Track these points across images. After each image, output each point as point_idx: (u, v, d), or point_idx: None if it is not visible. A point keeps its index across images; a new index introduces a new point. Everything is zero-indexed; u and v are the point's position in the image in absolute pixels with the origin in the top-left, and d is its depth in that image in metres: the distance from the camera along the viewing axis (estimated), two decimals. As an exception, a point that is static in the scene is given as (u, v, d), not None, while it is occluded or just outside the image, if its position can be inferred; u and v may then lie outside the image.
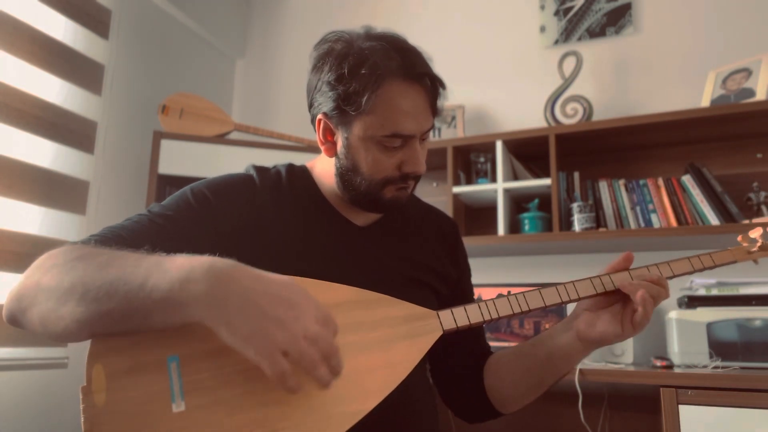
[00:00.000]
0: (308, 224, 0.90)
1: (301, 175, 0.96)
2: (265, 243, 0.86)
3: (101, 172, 2.21)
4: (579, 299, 0.83)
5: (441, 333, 0.76)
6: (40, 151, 1.96)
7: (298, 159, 2.31)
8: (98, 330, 0.65)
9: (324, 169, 0.94)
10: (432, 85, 0.86)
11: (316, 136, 0.91)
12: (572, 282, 0.83)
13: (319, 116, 0.89)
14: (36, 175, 1.94)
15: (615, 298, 0.83)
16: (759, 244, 0.91)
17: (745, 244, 0.92)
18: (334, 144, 0.89)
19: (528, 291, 0.81)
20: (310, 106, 0.91)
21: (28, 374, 1.86)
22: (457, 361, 1.00)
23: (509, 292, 0.83)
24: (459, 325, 0.77)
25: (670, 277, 0.85)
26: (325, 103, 0.86)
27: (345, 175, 0.89)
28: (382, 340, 0.72)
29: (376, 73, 0.82)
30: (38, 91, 1.97)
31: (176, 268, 0.62)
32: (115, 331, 0.65)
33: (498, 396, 0.96)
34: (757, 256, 0.91)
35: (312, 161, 0.99)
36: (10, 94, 1.86)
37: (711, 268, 0.89)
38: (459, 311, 0.78)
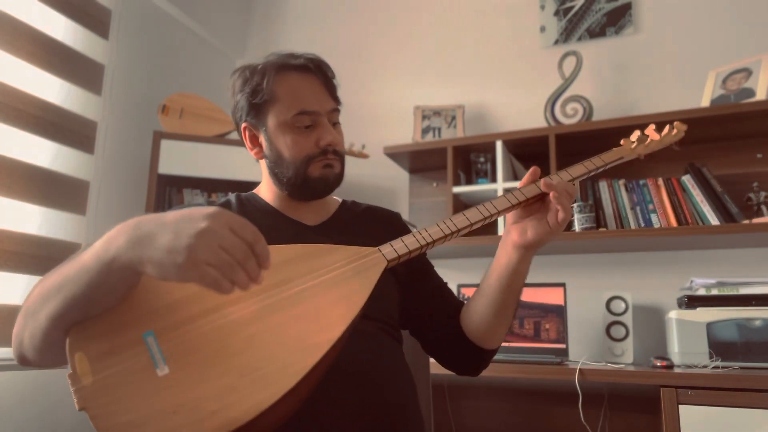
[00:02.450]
0: (263, 233, 0.95)
1: (249, 197, 1.08)
2: None
3: (101, 172, 2.21)
4: (499, 213, 0.91)
5: (386, 263, 0.83)
6: (40, 151, 1.96)
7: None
8: (68, 319, 0.69)
9: (264, 183, 1.06)
10: (319, 71, 1.00)
11: (247, 148, 1.04)
12: (490, 201, 0.93)
13: (243, 125, 1.02)
14: (36, 175, 1.94)
15: (535, 207, 0.92)
16: (636, 139, 1.02)
17: (625, 143, 1.03)
18: (261, 146, 1.02)
19: (454, 216, 0.90)
20: (237, 126, 1.04)
21: (28, 374, 1.86)
22: (438, 325, 1.07)
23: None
24: (400, 254, 0.84)
25: (571, 180, 0.94)
26: (242, 110, 1.01)
27: (275, 167, 1.00)
28: (336, 279, 0.79)
29: (270, 65, 1.00)
30: (38, 91, 1.97)
31: (98, 241, 0.69)
32: (82, 315, 0.70)
33: (477, 336, 1.02)
34: (640, 151, 1.02)
35: (257, 186, 1.10)
36: (10, 94, 1.86)
37: (602, 167, 0.99)
38: (397, 242, 0.85)
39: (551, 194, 0.87)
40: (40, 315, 0.71)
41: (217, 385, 0.66)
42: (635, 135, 1.04)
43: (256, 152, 1.03)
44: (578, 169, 0.97)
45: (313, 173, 0.98)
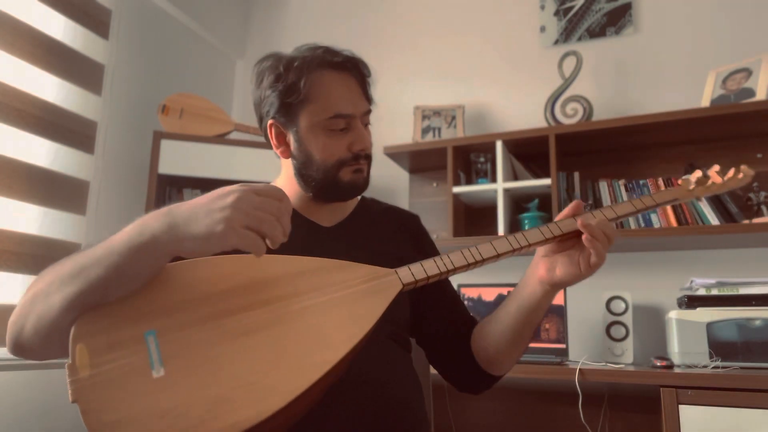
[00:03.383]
0: None
1: None
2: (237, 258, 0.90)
3: (101, 172, 2.21)
4: (529, 246, 0.85)
5: (401, 287, 0.79)
6: (40, 151, 1.96)
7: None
8: (87, 302, 0.69)
9: (284, 179, 1.02)
10: (357, 71, 0.97)
11: (272, 145, 1.00)
12: (521, 232, 0.86)
13: (269, 122, 0.97)
14: (36, 175, 1.94)
15: (569, 243, 0.86)
16: (697, 181, 0.94)
17: (683, 184, 0.95)
18: (288, 145, 0.98)
19: (480, 244, 0.84)
20: (260, 120, 1.00)
21: (28, 374, 1.86)
22: (447, 340, 1.04)
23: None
24: (417, 279, 0.80)
25: (614, 219, 0.88)
26: (271, 106, 0.96)
27: (302, 169, 0.97)
28: (346, 298, 0.76)
29: (307, 63, 0.94)
30: (38, 91, 1.97)
31: (128, 227, 0.69)
32: (97, 300, 0.69)
33: (486, 360, 0.99)
34: (698, 193, 0.95)
35: (274, 180, 1.06)
36: (9, 94, 1.86)
37: (653, 207, 0.91)
38: (416, 266, 0.81)
39: (584, 236, 0.82)
40: (53, 297, 0.70)
41: (208, 394, 0.65)
42: (695, 175, 0.95)
43: (282, 151, 0.99)
44: (625, 207, 0.89)
45: (343, 178, 0.95)
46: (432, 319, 1.05)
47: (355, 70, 0.97)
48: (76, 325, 0.69)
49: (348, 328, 0.73)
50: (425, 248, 1.10)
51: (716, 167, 0.97)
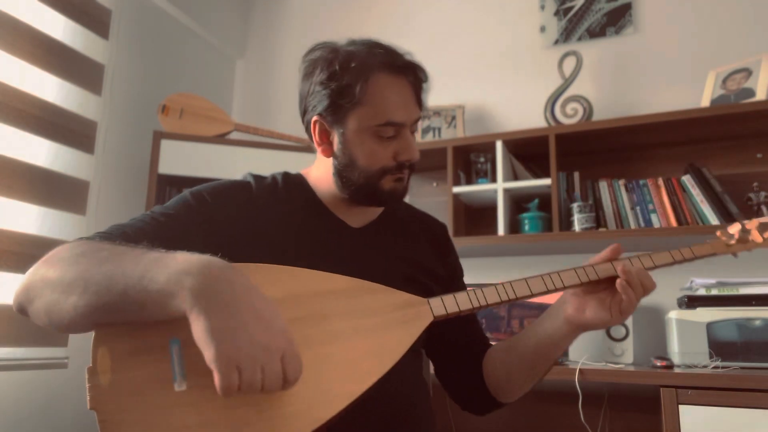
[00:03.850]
0: (304, 227, 0.93)
1: (296, 181, 1.00)
2: (261, 244, 0.89)
3: (101, 172, 2.21)
4: (564, 288, 0.85)
5: (431, 319, 0.78)
6: (39, 151, 1.96)
7: (297, 159, 2.32)
8: (98, 321, 0.67)
9: (319, 173, 0.98)
10: (415, 77, 0.93)
11: (313, 140, 0.95)
12: (557, 272, 0.85)
13: (315, 118, 0.93)
14: (36, 175, 1.94)
15: (602, 286, 0.86)
16: (737, 237, 0.94)
17: (723, 238, 0.96)
18: (331, 144, 0.93)
19: (515, 281, 0.84)
20: (304, 112, 0.96)
21: (28, 374, 1.86)
22: (458, 358, 1.02)
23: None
24: (449, 312, 0.79)
25: (651, 268, 0.87)
26: (320, 103, 0.91)
27: (343, 171, 0.93)
28: (374, 326, 0.74)
29: (365, 65, 0.89)
30: (38, 91, 1.97)
31: (174, 263, 0.65)
32: (113, 322, 0.67)
33: (496, 387, 0.98)
34: (736, 250, 0.95)
35: (306, 169, 1.03)
36: (9, 94, 1.86)
37: (691, 260, 0.92)
38: (449, 298, 0.80)
39: (618, 282, 0.81)
40: (70, 300, 0.67)
41: (231, 416, 0.63)
42: (735, 229, 0.95)
43: (324, 149, 0.94)
44: (663, 258, 0.90)
45: (384, 186, 0.92)
46: (446, 335, 1.02)
47: (412, 75, 0.93)
48: (98, 327, 0.67)
49: (375, 359, 0.71)
50: (450, 260, 1.08)
51: (755, 222, 0.95)
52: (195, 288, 0.61)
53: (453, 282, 1.07)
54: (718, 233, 0.95)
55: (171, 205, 0.90)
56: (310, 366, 0.68)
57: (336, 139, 0.92)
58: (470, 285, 2.29)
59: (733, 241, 0.94)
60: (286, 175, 1.00)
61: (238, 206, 0.91)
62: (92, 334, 0.69)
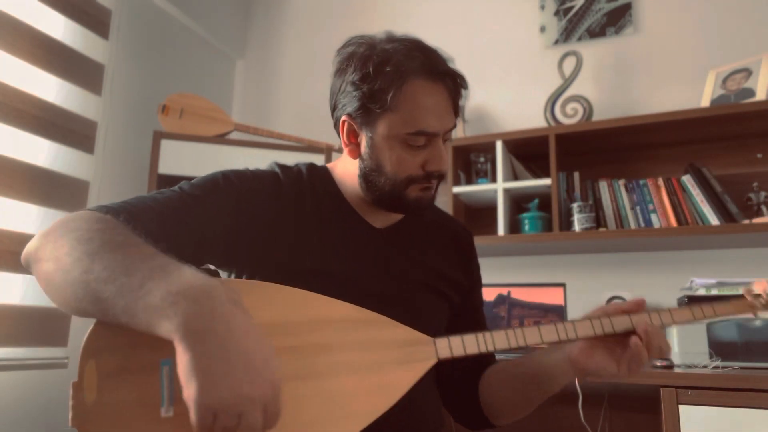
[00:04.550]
0: (327, 224, 0.91)
1: (322, 176, 0.96)
2: (284, 238, 0.87)
3: (101, 172, 2.21)
4: (577, 339, 0.82)
5: (435, 361, 0.76)
6: (40, 151, 1.96)
7: (298, 159, 2.31)
8: (89, 310, 0.64)
9: (345, 170, 0.95)
10: (454, 85, 0.88)
11: (340, 138, 0.92)
12: (572, 321, 0.82)
13: (344, 117, 0.89)
14: (36, 175, 1.94)
15: (616, 337, 0.83)
16: (763, 301, 0.90)
17: (748, 298, 0.92)
18: (358, 145, 0.90)
19: (527, 327, 0.81)
20: (334, 108, 0.92)
21: (28, 374, 1.86)
22: (459, 371, 1.01)
23: (512, 327, 0.83)
24: (454, 355, 0.77)
25: (670, 325, 0.85)
26: (350, 103, 0.88)
27: (369, 175, 0.89)
28: (375, 363, 0.71)
29: (401, 70, 0.84)
30: (38, 91, 1.96)
31: (177, 279, 0.61)
32: (100, 318, 0.64)
33: (490, 409, 0.98)
34: (758, 311, 0.91)
35: (333, 163, 1.00)
36: (10, 94, 1.86)
37: (712, 318, 0.89)
38: (456, 340, 0.78)
39: (633, 340, 0.78)
40: (68, 276, 0.64)
41: None
42: (762, 289, 0.91)
43: (351, 150, 0.91)
44: (683, 314, 0.87)
45: (410, 195, 0.89)
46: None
47: (451, 83, 0.88)
48: (89, 336, 0.64)
49: (374, 398, 0.69)
50: (472, 271, 1.06)
51: None
52: (188, 317, 0.57)
53: (472, 292, 1.05)
54: (744, 291, 0.92)
55: (200, 184, 0.86)
56: (308, 401, 0.65)
57: (364, 142, 0.89)
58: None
59: (763, 302, 0.90)
60: (312, 167, 0.97)
61: (266, 197, 0.89)
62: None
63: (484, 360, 1.01)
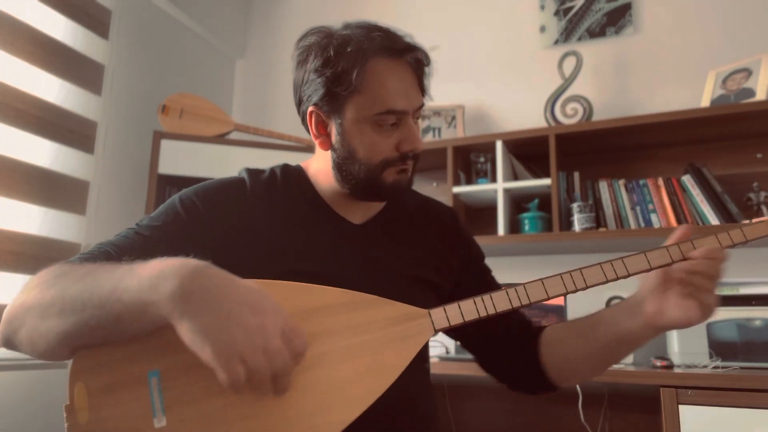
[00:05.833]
0: (303, 224, 0.90)
1: (295, 175, 0.95)
2: (259, 245, 0.85)
3: (101, 172, 2.21)
4: (586, 288, 0.77)
5: (432, 333, 0.73)
6: (40, 151, 1.96)
7: (298, 159, 2.31)
8: (78, 342, 0.65)
9: (319, 167, 0.93)
10: (416, 61, 0.87)
11: (309, 132, 0.90)
12: (579, 269, 0.76)
13: (310, 108, 0.87)
14: (36, 175, 1.94)
15: (676, 278, 0.77)
16: None
17: None
18: (328, 136, 0.88)
19: (529, 283, 0.76)
20: (299, 103, 0.90)
21: (28, 374, 1.86)
22: (509, 346, 0.97)
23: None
24: (452, 324, 0.73)
25: (731, 246, 0.78)
26: (315, 92, 0.86)
27: (342, 165, 0.87)
28: (370, 344, 0.69)
29: (362, 49, 0.83)
30: (38, 91, 1.97)
31: (148, 270, 0.61)
32: (93, 342, 0.65)
33: (557, 374, 0.93)
34: None
35: (306, 161, 0.97)
36: (10, 94, 1.86)
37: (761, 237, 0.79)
38: (452, 308, 0.74)
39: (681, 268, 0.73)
40: (47, 324, 0.64)
41: None
42: None
43: (321, 142, 0.88)
44: (737, 234, 0.79)
45: (386, 179, 0.86)
46: (485, 327, 0.92)
47: (413, 59, 0.86)
48: (74, 362, 0.65)
49: (369, 381, 0.67)
50: (464, 247, 1.03)
51: None
52: (172, 291, 0.58)
53: (471, 269, 1.02)
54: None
55: (159, 215, 0.85)
56: (301, 393, 0.64)
57: (334, 131, 0.86)
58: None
59: None
60: (285, 168, 0.95)
61: (232, 207, 0.87)
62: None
63: (532, 327, 0.97)
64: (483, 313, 0.74)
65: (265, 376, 0.58)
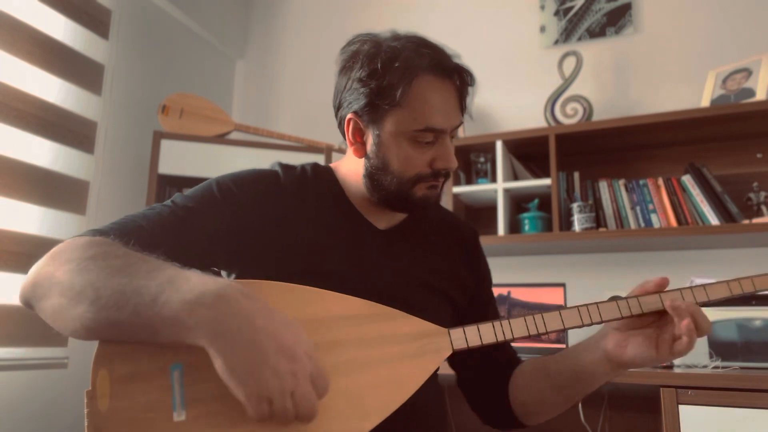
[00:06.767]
0: (330, 225, 0.90)
1: (326, 175, 0.95)
2: (287, 241, 0.86)
3: (101, 172, 2.21)
4: (602, 322, 0.78)
5: (450, 352, 0.74)
6: (40, 151, 1.96)
7: (298, 159, 2.31)
8: (106, 337, 0.65)
9: (349, 170, 0.94)
10: (461, 81, 0.87)
11: (345, 137, 0.91)
12: (596, 303, 0.78)
13: (349, 115, 0.88)
14: (36, 175, 1.94)
15: (647, 320, 0.79)
16: None
17: None
18: (364, 144, 0.89)
19: (547, 313, 0.77)
20: (339, 107, 0.91)
21: (28, 374, 1.86)
22: (485, 372, 0.99)
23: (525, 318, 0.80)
24: (470, 345, 0.74)
25: (706, 304, 0.79)
26: (356, 101, 0.86)
27: (375, 174, 0.88)
28: (389, 357, 0.70)
29: (410, 66, 0.83)
30: (38, 91, 1.97)
31: (189, 288, 0.62)
32: (121, 340, 0.65)
33: (523, 410, 0.95)
34: None
35: (336, 162, 0.98)
36: (10, 94, 1.86)
37: (751, 293, 0.83)
38: (471, 330, 0.75)
39: (685, 322, 0.73)
40: (77, 310, 0.65)
41: None
42: None
43: (356, 149, 0.89)
44: (719, 290, 0.80)
45: (416, 193, 0.87)
46: (477, 356, 0.97)
47: (459, 80, 0.87)
48: (100, 345, 0.65)
49: (386, 393, 0.68)
50: (478, 269, 1.04)
51: None
52: (211, 323, 0.60)
53: (481, 292, 1.04)
54: None
55: (194, 195, 0.85)
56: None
57: (370, 140, 0.87)
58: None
59: None
60: (316, 167, 0.96)
61: (266, 199, 0.87)
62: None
63: (512, 361, 0.99)
64: (501, 338, 0.75)
65: (290, 417, 0.60)
